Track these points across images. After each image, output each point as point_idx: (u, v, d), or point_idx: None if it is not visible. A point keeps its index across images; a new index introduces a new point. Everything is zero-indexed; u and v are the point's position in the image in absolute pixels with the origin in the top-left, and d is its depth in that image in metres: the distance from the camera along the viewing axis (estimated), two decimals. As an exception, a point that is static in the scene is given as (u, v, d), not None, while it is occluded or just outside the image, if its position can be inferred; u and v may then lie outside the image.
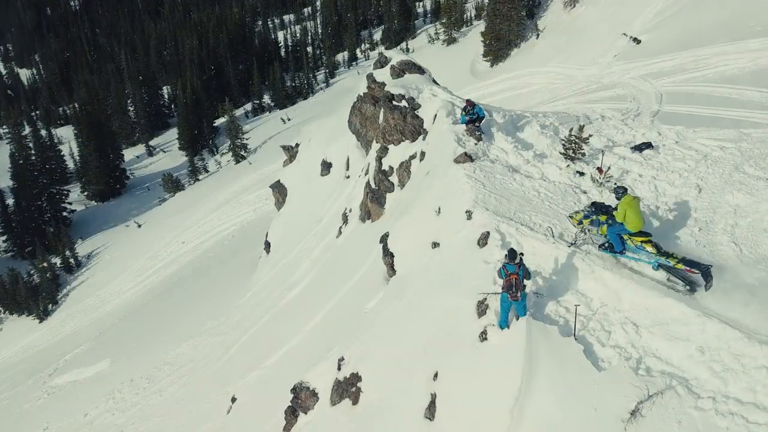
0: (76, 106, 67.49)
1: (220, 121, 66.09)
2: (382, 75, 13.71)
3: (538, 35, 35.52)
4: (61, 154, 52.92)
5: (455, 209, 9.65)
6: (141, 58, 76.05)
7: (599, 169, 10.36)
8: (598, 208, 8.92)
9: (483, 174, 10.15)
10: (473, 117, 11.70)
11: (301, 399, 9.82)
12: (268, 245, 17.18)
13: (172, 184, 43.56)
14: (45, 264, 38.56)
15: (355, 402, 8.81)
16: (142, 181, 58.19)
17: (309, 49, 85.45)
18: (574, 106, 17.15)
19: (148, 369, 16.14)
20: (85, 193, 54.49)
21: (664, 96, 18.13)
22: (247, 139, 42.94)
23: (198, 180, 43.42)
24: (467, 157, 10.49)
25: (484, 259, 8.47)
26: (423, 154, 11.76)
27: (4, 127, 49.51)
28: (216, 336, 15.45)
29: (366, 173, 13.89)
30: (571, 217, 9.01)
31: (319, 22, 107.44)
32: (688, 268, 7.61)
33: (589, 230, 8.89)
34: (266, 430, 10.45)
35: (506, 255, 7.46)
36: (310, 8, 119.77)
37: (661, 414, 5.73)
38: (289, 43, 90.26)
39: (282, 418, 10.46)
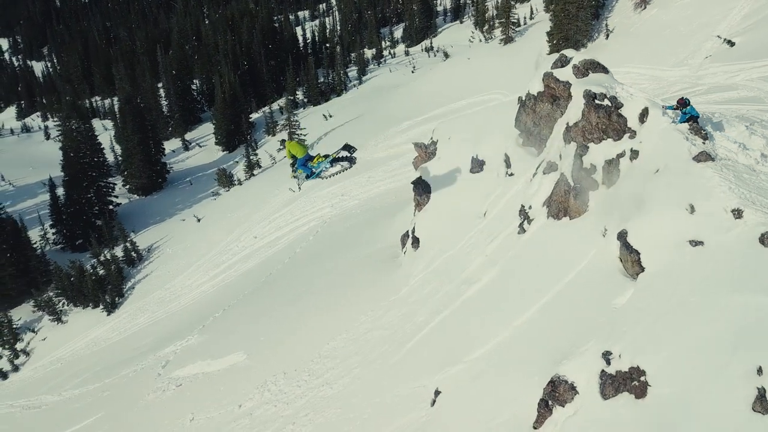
0: (115, 99, 67.51)
1: (254, 116, 66.19)
2: (564, 74, 13.80)
3: (607, 36, 35.72)
4: (101, 147, 52.81)
5: (714, 208, 9.79)
6: (175, 51, 75.78)
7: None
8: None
9: (731, 173, 10.31)
10: (688, 116, 11.84)
11: (559, 392, 9.95)
12: (416, 241, 17.26)
13: (226, 178, 43.52)
14: (107, 257, 38.52)
15: (640, 396, 8.94)
16: (181, 175, 58.21)
17: (339, 47, 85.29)
18: (705, 107, 17.26)
19: (300, 362, 16.20)
20: (127, 187, 54.44)
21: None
22: (305, 136, 42.91)
23: (253, 175, 43.37)
24: (708, 156, 10.64)
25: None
26: (635, 152, 11.89)
27: (55, 118, 49.12)
28: (377, 330, 15.56)
29: (545, 171, 14.01)
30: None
31: (337, 18, 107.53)
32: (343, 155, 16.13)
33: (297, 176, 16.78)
34: (499, 422, 10.56)
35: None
36: (324, 4, 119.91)
37: None
38: (308, 39, 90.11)
39: (515, 411, 10.59)
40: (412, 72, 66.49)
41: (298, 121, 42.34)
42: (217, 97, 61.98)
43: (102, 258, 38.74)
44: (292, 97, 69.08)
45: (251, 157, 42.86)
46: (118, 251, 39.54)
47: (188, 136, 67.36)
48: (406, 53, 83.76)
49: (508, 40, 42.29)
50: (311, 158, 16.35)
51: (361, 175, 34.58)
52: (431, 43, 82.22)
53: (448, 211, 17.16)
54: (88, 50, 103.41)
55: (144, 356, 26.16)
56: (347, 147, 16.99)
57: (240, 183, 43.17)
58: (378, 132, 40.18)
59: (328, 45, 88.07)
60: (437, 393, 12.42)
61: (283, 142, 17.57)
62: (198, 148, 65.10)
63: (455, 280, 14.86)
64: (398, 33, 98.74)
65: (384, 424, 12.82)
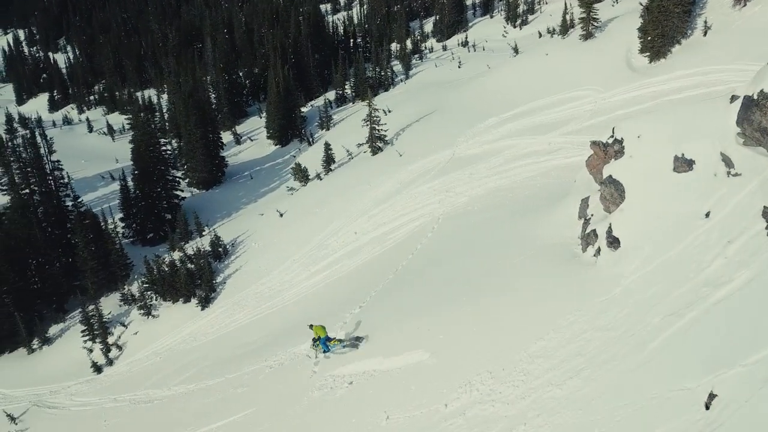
0: (147, 92, 67.06)
1: (304, 110, 65.87)
2: (814, 73, 13.54)
3: (705, 32, 35.45)
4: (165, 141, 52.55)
5: None
6: (220, 44, 75.39)
7: None
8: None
9: None
10: None
11: None
12: (615, 240, 17.06)
13: (301, 173, 43.30)
14: (194, 251, 38.33)
15: None
16: (236, 169, 57.99)
17: (367, 40, 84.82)
18: None
19: (507, 362, 16.01)
20: (186, 180, 54.23)
21: None
22: (385, 131, 42.66)
23: (330, 170, 43.13)
24: None
25: None
26: None
27: (127, 108, 48.66)
28: (597, 332, 15.33)
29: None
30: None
31: (360, 11, 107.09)
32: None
33: (315, 349, 22.01)
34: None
35: None
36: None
37: None
38: (341, 33, 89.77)
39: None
40: (459, 67, 66.30)
41: (379, 116, 41.89)
42: (270, 91, 61.73)
43: (185, 252, 38.52)
44: (340, 92, 68.93)
45: (330, 152, 42.51)
46: (199, 245, 39.28)
47: (236, 129, 67.08)
48: (444, 48, 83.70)
49: (588, 35, 41.93)
50: (329, 339, 21.72)
51: (461, 170, 34.39)
52: (466, 37, 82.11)
53: (654, 211, 16.89)
54: (119, 43, 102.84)
55: (263, 352, 25.95)
56: (358, 338, 21.66)
57: (320, 178, 42.87)
58: (463, 128, 39.91)
59: (359, 39, 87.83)
60: (712, 396, 12.16)
61: (311, 326, 21.57)
62: (249, 142, 64.84)
63: (689, 283, 14.61)
64: (428, 27, 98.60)
65: (650, 427, 12.57)
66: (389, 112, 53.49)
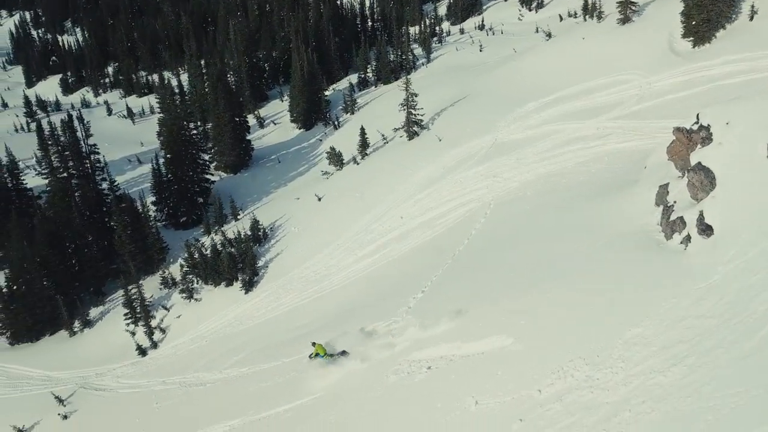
0: (163, 74, 66.60)
1: (327, 94, 65.52)
2: None
3: (751, 17, 35.22)
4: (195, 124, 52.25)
5: None
6: (240, 27, 74.76)
7: None
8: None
9: None
10: None
11: None
12: (708, 228, 17.04)
13: (336, 157, 43.18)
14: (230, 236, 38.34)
15: None
16: (261, 153, 57.75)
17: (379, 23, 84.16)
18: None
19: (600, 349, 16.04)
20: (213, 164, 54.05)
21: None
22: (422, 115, 42.49)
23: (367, 155, 43.02)
24: None
25: None
26: None
27: (159, 90, 48.37)
28: (696, 319, 15.31)
29: None
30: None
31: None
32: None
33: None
34: None
35: None
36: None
37: None
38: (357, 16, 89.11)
39: None
40: (480, 51, 66.02)
41: (416, 101, 41.70)
42: (294, 74, 61.37)
43: (225, 236, 38.49)
44: (362, 75, 68.57)
45: (365, 136, 42.38)
46: (236, 229, 39.18)
47: (259, 113, 66.78)
48: (461, 31, 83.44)
49: (626, 19, 41.63)
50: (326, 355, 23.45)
51: (507, 155, 34.31)
52: (482, 21, 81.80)
53: (748, 199, 16.86)
54: (131, 25, 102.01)
55: (319, 336, 25.88)
56: (343, 352, 23.33)
57: (356, 162, 42.76)
58: (501, 113, 39.74)
59: (376, 23, 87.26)
60: None
61: (313, 344, 23.94)
62: (272, 126, 64.59)
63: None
64: (441, 10, 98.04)
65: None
66: (416, 96, 53.29)
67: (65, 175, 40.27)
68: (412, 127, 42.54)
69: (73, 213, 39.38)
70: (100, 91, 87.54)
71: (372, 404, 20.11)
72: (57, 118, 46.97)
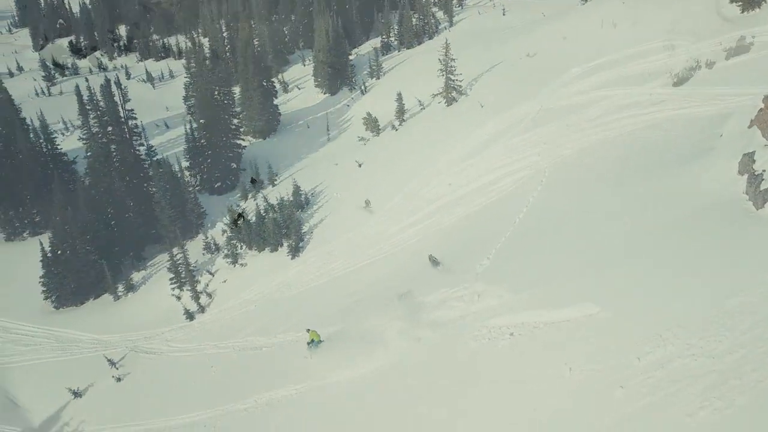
0: (178, 38, 65.56)
1: (351, 58, 64.71)
2: None
3: (805, -18, 34.68)
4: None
5: None
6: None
7: None
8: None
9: None
10: None
11: None
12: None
13: (373, 123, 42.92)
14: (272, 201, 38.34)
15: None
16: (288, 118, 57.29)
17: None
18: None
19: (698, 317, 16.07)
20: (242, 129, 53.67)
21: None
22: (460, 82, 42.09)
23: (404, 121, 42.74)
24: None
25: None
26: None
27: (191, 62, 47.77)
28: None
29: None
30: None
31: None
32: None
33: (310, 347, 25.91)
34: None
35: None
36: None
37: None
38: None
39: None
40: (503, 15, 65.04)
41: (455, 65, 41.26)
42: (318, 38, 60.49)
43: (268, 201, 38.49)
44: (385, 39, 67.70)
45: (401, 102, 42.05)
46: (275, 194, 39.14)
47: (282, 78, 66.04)
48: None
49: (669, -16, 40.82)
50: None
51: (557, 122, 34.06)
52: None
53: None
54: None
55: (376, 302, 25.84)
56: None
57: (395, 128, 42.52)
58: (544, 79, 39.33)
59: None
60: None
61: (308, 330, 25.87)
62: (297, 90, 63.97)
63: None
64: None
65: None
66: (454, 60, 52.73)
67: (104, 140, 39.98)
68: (451, 93, 42.18)
69: (113, 178, 39.25)
70: (115, 54, 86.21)
71: (458, 369, 20.09)
72: (72, 84, 46.23)
